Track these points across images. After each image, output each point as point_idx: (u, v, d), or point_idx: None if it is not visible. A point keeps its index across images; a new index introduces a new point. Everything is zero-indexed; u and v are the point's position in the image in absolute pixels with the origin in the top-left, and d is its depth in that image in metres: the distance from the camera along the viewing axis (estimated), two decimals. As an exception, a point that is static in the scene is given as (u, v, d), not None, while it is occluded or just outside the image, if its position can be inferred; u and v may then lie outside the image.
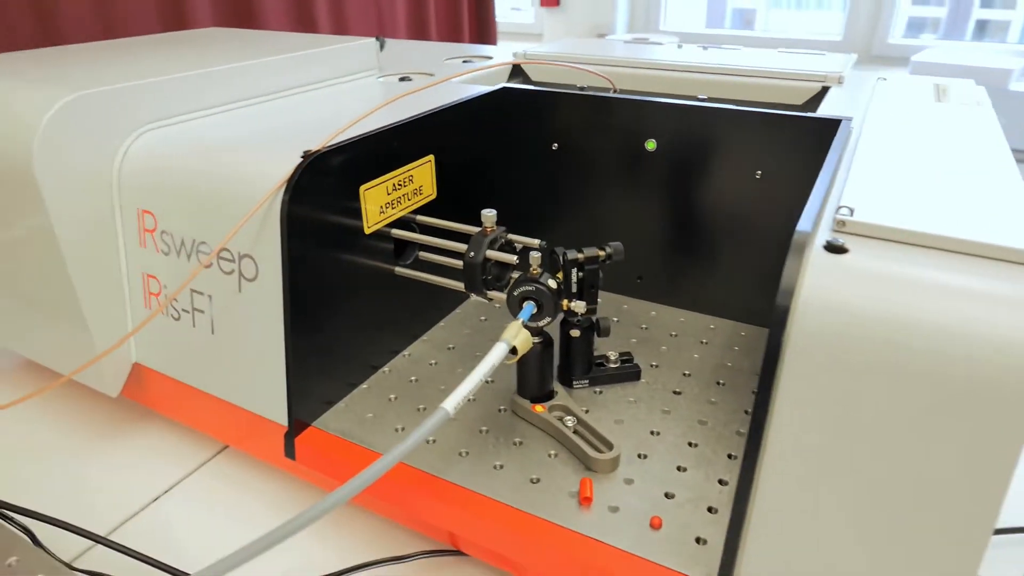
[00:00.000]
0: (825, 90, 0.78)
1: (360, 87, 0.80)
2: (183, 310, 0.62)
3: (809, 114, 0.64)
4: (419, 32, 1.83)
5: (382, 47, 0.88)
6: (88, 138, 0.60)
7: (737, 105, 0.68)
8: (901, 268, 0.37)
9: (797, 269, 0.37)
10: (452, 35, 1.95)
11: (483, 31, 2.05)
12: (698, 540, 0.48)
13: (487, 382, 0.65)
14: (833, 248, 0.39)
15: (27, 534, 0.55)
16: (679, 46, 0.99)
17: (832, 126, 0.62)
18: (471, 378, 0.47)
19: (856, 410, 0.37)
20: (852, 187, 0.45)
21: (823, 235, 0.40)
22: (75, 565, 0.55)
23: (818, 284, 0.37)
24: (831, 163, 0.50)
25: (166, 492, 0.64)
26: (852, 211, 0.41)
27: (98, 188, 0.62)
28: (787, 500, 0.40)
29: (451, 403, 0.46)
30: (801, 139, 0.64)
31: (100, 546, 0.57)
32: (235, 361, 0.60)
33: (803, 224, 0.40)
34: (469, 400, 0.62)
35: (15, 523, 0.55)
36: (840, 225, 0.41)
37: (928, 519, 0.37)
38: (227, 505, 0.62)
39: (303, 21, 1.55)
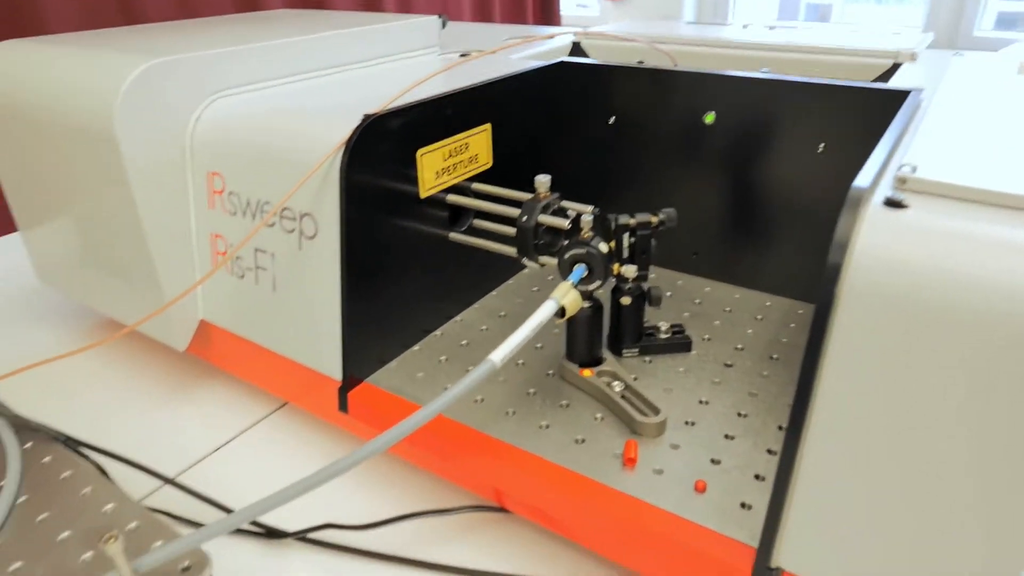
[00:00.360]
0: (896, 67, 0.76)
1: (421, 62, 0.82)
2: (247, 268, 0.65)
3: (875, 84, 0.62)
4: (483, 16, 1.85)
5: (444, 25, 0.90)
6: (165, 103, 0.63)
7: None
8: (964, 225, 0.36)
9: (852, 224, 0.37)
10: (516, 19, 1.97)
11: (547, 15, 2.06)
12: (743, 505, 0.47)
13: (536, 347, 0.65)
14: (892, 203, 0.38)
15: (100, 471, 0.58)
16: (744, 26, 0.97)
17: (900, 97, 0.60)
18: (519, 333, 0.48)
19: (910, 370, 0.36)
20: (917, 147, 0.44)
21: (883, 192, 0.39)
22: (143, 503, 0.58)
23: (875, 240, 0.36)
24: (896, 127, 0.48)
25: (227, 443, 0.67)
26: (915, 168, 0.40)
27: (172, 150, 0.65)
28: (834, 462, 0.39)
29: (498, 355, 0.47)
30: (867, 111, 0.62)
31: (167, 487, 0.60)
32: (294, 317, 0.62)
33: (860, 180, 0.39)
34: (518, 364, 0.63)
35: (89, 460, 0.59)
36: (901, 182, 0.39)
37: (984, 484, 0.35)
38: (283, 457, 0.65)
39: (370, 5, 1.59)
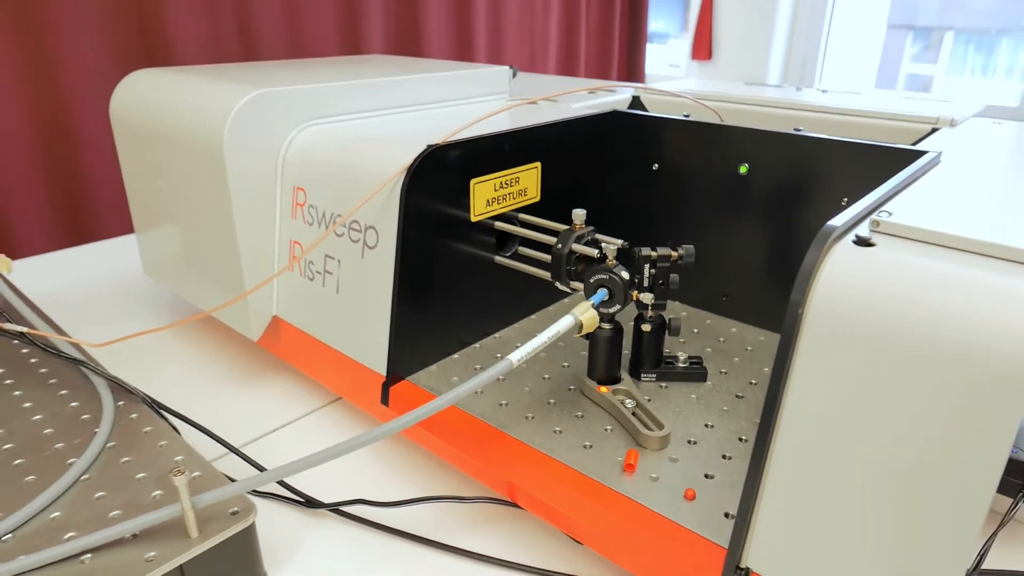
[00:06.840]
0: (934, 131, 0.79)
1: (490, 106, 0.91)
2: (317, 272, 0.74)
3: (891, 144, 0.66)
4: (568, 70, 1.95)
5: (514, 75, 0.99)
6: (265, 127, 0.75)
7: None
8: (925, 263, 0.40)
9: (817, 257, 0.42)
10: (600, 75, 2.05)
11: (632, 73, 2.14)
12: (727, 515, 0.51)
13: (563, 366, 0.71)
14: (861, 242, 0.42)
15: (176, 431, 0.68)
16: (797, 88, 1.02)
17: (916, 157, 0.64)
18: (537, 339, 0.54)
19: (868, 395, 0.40)
20: (904, 198, 0.48)
21: (857, 232, 0.44)
22: (207, 464, 0.67)
23: (838, 271, 0.41)
24: (894, 181, 0.53)
25: (284, 426, 0.76)
26: (891, 214, 0.45)
27: (268, 167, 0.76)
28: (796, 477, 0.43)
29: (516, 355, 0.53)
30: (884, 169, 0.66)
31: (230, 455, 0.69)
32: (352, 318, 0.71)
33: (834, 221, 0.44)
34: (544, 378, 0.69)
35: (168, 421, 0.68)
36: (875, 225, 0.44)
37: (932, 503, 0.39)
38: (329, 442, 0.72)
39: (462, 53, 1.72)
